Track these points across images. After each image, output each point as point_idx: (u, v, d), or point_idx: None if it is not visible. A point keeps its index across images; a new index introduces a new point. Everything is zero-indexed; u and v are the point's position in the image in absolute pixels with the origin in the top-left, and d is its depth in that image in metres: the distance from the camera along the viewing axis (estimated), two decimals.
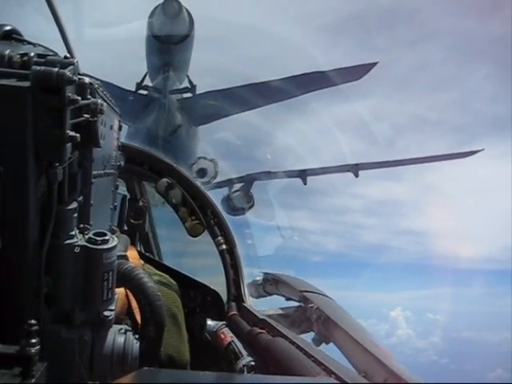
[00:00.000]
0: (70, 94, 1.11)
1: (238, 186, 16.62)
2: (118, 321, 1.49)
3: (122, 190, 2.52)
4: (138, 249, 2.80)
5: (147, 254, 2.85)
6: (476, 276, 18.59)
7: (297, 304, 2.87)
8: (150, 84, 14.43)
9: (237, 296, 2.63)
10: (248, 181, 16.55)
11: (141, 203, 2.74)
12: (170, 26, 13.16)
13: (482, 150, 15.58)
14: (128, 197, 2.38)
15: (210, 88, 14.54)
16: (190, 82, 14.55)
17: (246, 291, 2.67)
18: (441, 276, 17.10)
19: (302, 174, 16.57)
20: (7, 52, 1.16)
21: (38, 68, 1.08)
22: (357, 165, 15.85)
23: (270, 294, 3.19)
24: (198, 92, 14.66)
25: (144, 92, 14.48)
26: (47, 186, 1.17)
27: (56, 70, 1.08)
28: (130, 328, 1.47)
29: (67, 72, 1.09)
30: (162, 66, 13.89)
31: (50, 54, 1.29)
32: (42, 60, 1.14)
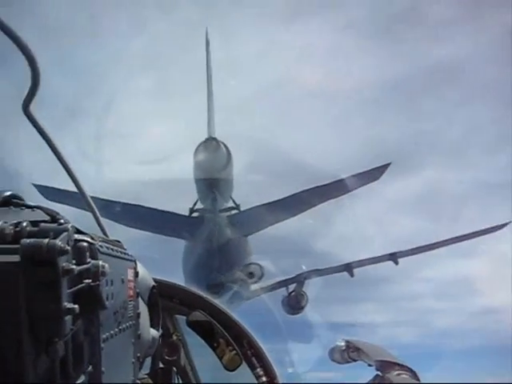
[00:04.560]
0: (64, 264, 1.03)
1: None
2: None
3: None
4: None
5: None
6: None
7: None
8: (201, 206, 17.28)
9: None
10: (299, 281, 17.99)
11: (174, 337, 2.71)
12: (212, 159, 16.22)
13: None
14: (160, 332, 2.34)
15: None
16: (234, 201, 17.21)
17: None
18: None
19: (348, 268, 17.75)
20: None
21: (28, 241, 1.01)
22: (394, 254, 16.88)
23: (355, 360, 3.13)
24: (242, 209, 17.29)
25: (196, 214, 17.29)
26: (49, 362, 1.08)
27: (46, 241, 1.00)
28: None
29: (58, 242, 1.01)
30: (209, 191, 16.78)
31: (47, 219, 1.22)
32: (36, 229, 1.09)
